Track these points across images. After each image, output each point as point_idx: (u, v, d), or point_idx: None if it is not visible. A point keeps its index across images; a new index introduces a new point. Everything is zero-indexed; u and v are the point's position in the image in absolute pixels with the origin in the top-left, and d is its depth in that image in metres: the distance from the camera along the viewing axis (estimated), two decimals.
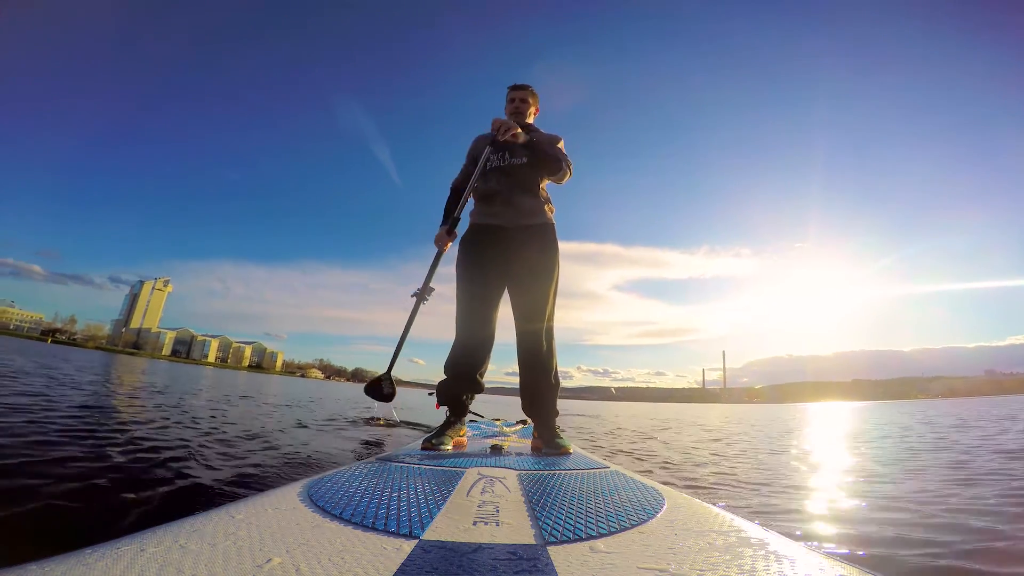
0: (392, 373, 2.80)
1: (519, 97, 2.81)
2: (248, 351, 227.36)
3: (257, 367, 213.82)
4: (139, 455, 2.50)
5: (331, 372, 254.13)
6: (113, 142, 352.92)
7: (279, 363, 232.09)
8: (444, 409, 2.58)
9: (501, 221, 2.57)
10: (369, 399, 2.83)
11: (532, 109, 2.85)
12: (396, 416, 6.75)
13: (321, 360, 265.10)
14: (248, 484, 2.21)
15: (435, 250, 2.60)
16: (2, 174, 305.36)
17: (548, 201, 2.69)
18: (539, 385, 2.51)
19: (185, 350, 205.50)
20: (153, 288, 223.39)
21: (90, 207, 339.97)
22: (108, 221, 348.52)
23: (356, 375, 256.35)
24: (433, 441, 2.29)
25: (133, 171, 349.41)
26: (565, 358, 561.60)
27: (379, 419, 6.39)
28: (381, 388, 2.78)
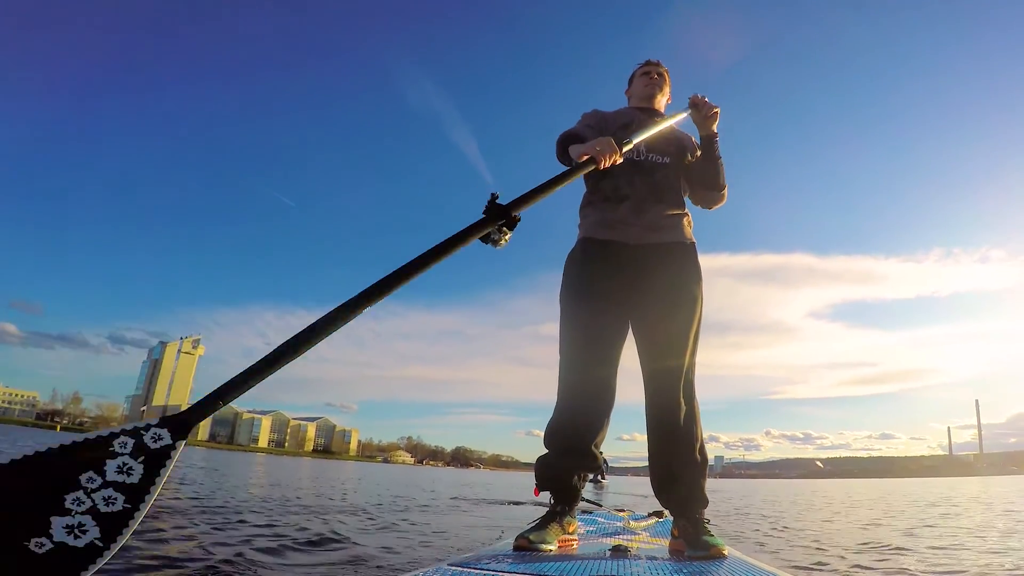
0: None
1: (656, 71, 2.32)
2: (312, 430, 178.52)
3: (324, 451, 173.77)
4: None
5: (424, 455, 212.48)
6: (101, 149, 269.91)
7: (353, 444, 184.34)
8: (546, 495, 2.06)
9: (625, 236, 2.05)
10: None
11: (667, 91, 2.36)
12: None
13: (409, 438, 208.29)
14: None
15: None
16: None
17: (687, 213, 2.18)
18: (678, 461, 1.93)
19: (227, 433, 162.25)
20: (179, 351, 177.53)
21: (79, 242, 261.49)
22: (103, 259, 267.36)
23: (458, 457, 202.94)
24: (531, 537, 1.77)
25: (133, 191, 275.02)
26: (745, 420, 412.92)
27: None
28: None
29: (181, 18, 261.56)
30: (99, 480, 1.10)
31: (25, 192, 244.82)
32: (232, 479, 8.88)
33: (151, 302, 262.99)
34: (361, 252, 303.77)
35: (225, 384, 1.32)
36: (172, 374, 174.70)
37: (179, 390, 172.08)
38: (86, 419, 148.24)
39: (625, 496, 9.48)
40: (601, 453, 2.06)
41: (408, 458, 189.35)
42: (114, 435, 1.15)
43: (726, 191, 2.18)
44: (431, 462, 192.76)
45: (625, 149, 1.92)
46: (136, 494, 1.13)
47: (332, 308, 1.35)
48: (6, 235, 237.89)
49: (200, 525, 3.51)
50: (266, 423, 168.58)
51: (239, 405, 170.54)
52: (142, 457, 1.15)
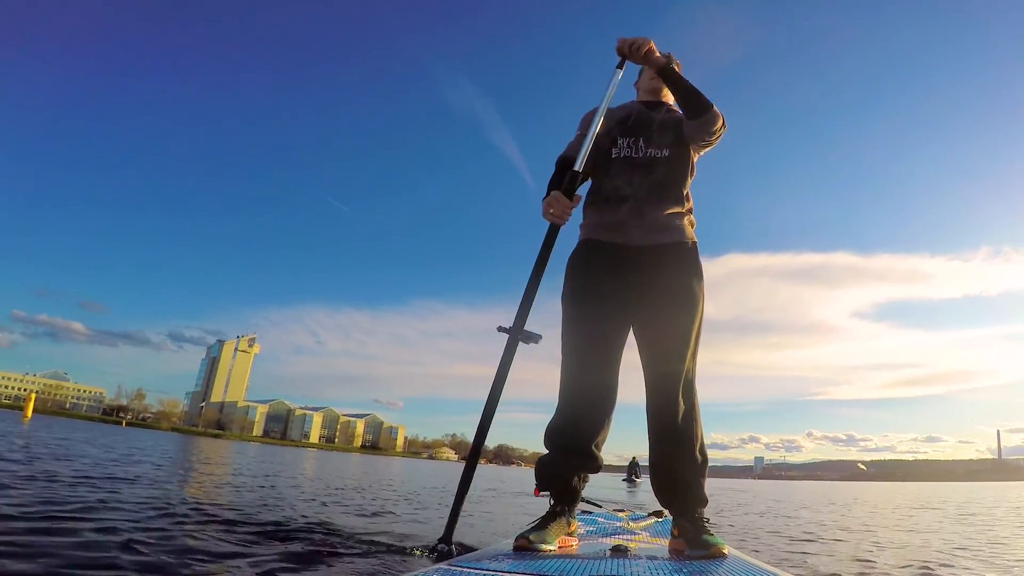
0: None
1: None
2: (361, 427, 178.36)
3: (372, 447, 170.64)
4: None
5: (467, 451, 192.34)
6: (164, 156, 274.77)
7: (400, 441, 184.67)
8: (546, 496, 2.02)
9: (626, 238, 2.01)
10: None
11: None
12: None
13: (453, 436, 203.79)
14: None
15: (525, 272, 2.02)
16: (32, 205, 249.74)
17: (690, 211, 2.12)
18: (678, 461, 1.92)
19: (280, 429, 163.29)
20: (236, 349, 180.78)
21: (141, 243, 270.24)
22: (163, 259, 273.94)
23: (500, 455, 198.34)
24: (531, 537, 1.74)
25: (190, 196, 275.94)
26: (787, 421, 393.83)
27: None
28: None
29: (234, 17, 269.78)
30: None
31: (92, 197, 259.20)
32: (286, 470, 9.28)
33: (208, 301, 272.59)
34: (405, 253, 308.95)
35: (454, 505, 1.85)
36: (229, 371, 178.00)
37: (236, 387, 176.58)
38: (149, 415, 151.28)
39: (652, 497, 9.76)
40: (599, 452, 2.05)
41: (452, 455, 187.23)
42: None
43: (713, 111, 2.00)
44: None
45: (577, 188, 1.98)
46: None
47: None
48: (75, 238, 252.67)
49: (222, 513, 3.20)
50: (317, 419, 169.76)
51: (292, 402, 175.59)
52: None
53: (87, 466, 5.34)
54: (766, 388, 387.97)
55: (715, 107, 2.00)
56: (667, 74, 2.01)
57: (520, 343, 1.95)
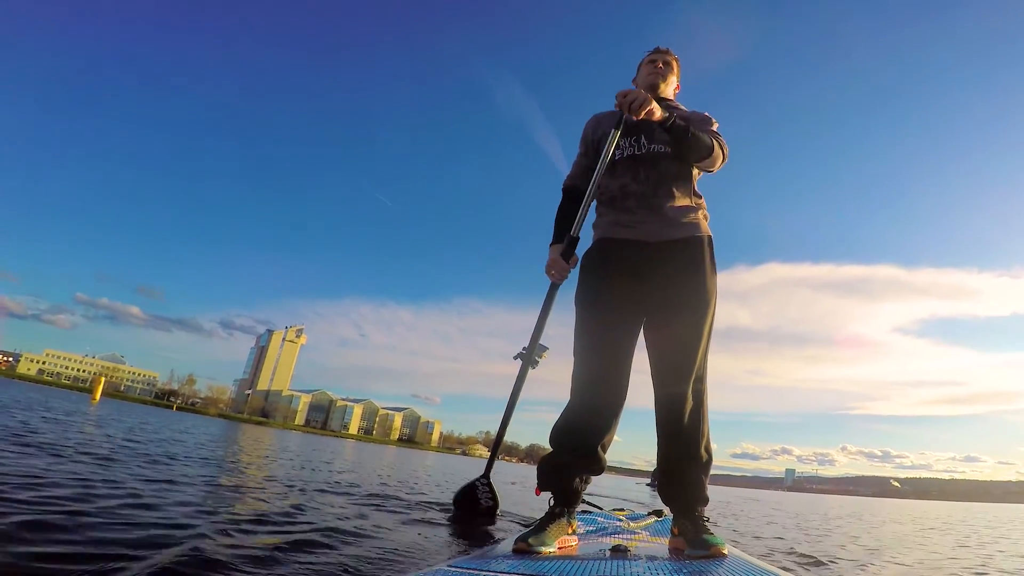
0: (492, 475, 2.48)
1: (662, 59, 2.21)
2: (399, 420, 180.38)
3: (409, 441, 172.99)
4: None
5: (500, 450, 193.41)
6: (224, 148, 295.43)
7: (435, 436, 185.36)
8: (547, 496, 2.00)
9: (639, 234, 1.98)
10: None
11: (674, 80, 2.26)
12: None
13: (487, 433, 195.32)
14: None
15: (546, 286, 2.15)
16: (104, 197, 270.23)
17: (702, 205, 2.08)
18: (683, 458, 1.90)
19: (322, 419, 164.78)
20: (284, 340, 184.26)
21: (198, 232, 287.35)
22: (218, 248, 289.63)
23: (532, 454, 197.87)
24: (530, 540, 1.70)
25: (246, 188, 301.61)
26: (821, 434, 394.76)
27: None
28: (477, 499, 2.41)
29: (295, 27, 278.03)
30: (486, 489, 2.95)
31: (156, 193, 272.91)
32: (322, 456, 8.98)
33: (259, 291, 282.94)
34: (447, 250, 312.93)
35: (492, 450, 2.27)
36: (276, 361, 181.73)
37: (281, 376, 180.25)
38: (197, 399, 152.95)
39: (624, 494, 9.44)
40: (604, 453, 2.03)
41: (484, 452, 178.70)
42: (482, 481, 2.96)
43: (718, 150, 2.00)
44: (506, 457, 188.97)
45: (572, 256, 2.11)
46: (493, 501, 2.90)
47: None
48: (135, 224, 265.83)
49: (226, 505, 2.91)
50: (357, 411, 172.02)
51: (334, 393, 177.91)
52: (489, 494, 2.87)
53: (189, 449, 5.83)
54: (801, 400, 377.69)
55: (716, 142, 1.99)
56: (670, 131, 1.94)
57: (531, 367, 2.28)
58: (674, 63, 2.24)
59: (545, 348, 2.22)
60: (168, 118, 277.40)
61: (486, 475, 2.48)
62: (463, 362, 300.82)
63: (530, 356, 2.20)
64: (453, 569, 1.32)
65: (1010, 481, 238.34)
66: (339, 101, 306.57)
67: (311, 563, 1.85)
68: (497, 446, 2.51)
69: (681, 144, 1.94)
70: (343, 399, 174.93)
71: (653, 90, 2.16)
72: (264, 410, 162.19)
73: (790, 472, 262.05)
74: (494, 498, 2.52)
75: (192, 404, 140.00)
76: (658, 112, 1.89)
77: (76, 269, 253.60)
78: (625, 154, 2.06)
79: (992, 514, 18.37)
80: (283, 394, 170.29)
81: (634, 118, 1.93)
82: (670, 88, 2.25)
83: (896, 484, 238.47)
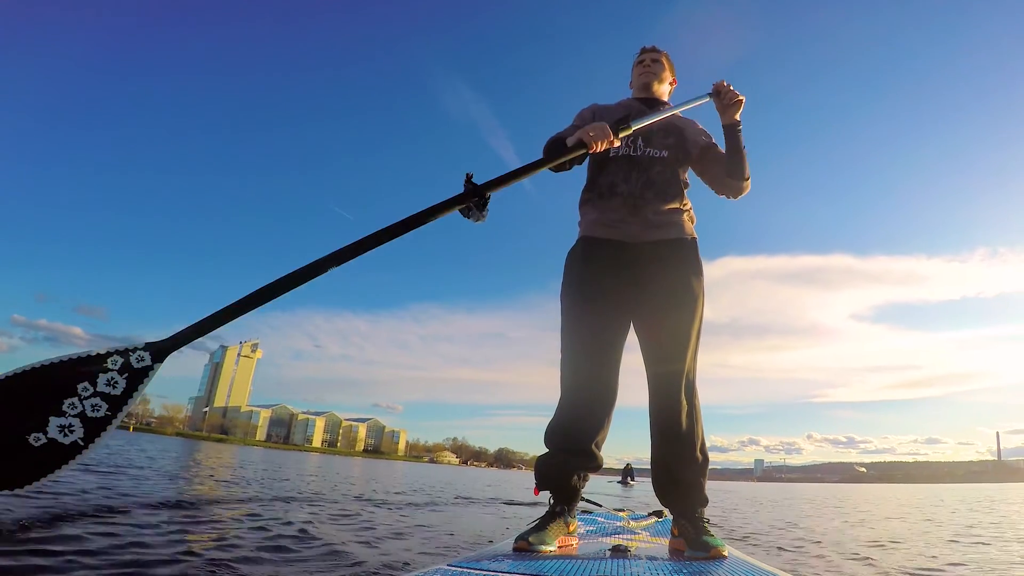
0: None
1: (650, 57, 2.21)
2: (363, 431, 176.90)
3: (375, 451, 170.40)
4: None
5: (468, 456, 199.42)
6: (155, 154, 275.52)
7: (401, 445, 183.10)
8: (546, 495, 1.98)
9: (624, 235, 1.99)
10: None
11: (667, 76, 2.23)
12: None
13: (454, 439, 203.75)
14: None
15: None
16: (34, 210, 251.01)
17: (688, 209, 2.09)
18: (679, 461, 1.90)
19: (283, 433, 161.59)
20: (239, 355, 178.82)
21: (136, 246, 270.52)
22: (162, 264, 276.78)
23: (502, 458, 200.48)
24: (530, 539, 1.71)
25: (192, 201, 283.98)
26: (786, 423, 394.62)
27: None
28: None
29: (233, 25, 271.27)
30: (91, 389, 1.39)
31: (92, 202, 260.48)
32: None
33: (205, 306, 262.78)
34: (403, 258, 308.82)
35: (205, 318, 1.59)
36: (232, 376, 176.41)
37: (238, 392, 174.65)
38: (152, 419, 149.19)
39: (651, 497, 9.38)
40: (599, 451, 2.01)
41: (453, 459, 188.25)
42: (109, 354, 1.44)
43: (749, 181, 2.08)
44: (475, 463, 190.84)
45: (623, 134, 1.91)
46: (117, 404, 1.43)
47: (307, 264, 1.71)
48: (73, 243, 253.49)
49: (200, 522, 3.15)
50: (320, 424, 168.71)
51: (294, 406, 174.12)
52: (126, 374, 1.42)
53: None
54: (765, 390, 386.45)
55: (749, 180, 2.08)
56: (733, 133, 2.02)
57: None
58: (663, 59, 2.24)
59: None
60: (107, 123, 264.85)
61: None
62: (424, 369, 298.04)
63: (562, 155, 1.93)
64: (453, 569, 1.34)
65: (972, 461, 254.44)
66: (292, 109, 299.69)
67: (311, 563, 1.90)
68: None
69: (735, 153, 2.03)
70: (304, 412, 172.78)
71: (647, 89, 2.19)
72: (223, 427, 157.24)
73: (759, 463, 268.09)
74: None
75: (147, 424, 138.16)
76: (737, 117, 2.01)
77: (12, 289, 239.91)
78: (620, 153, 2.05)
79: (960, 494, 19.30)
80: (242, 410, 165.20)
81: (720, 104, 2.01)
82: (665, 85, 2.24)
83: (862, 469, 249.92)
